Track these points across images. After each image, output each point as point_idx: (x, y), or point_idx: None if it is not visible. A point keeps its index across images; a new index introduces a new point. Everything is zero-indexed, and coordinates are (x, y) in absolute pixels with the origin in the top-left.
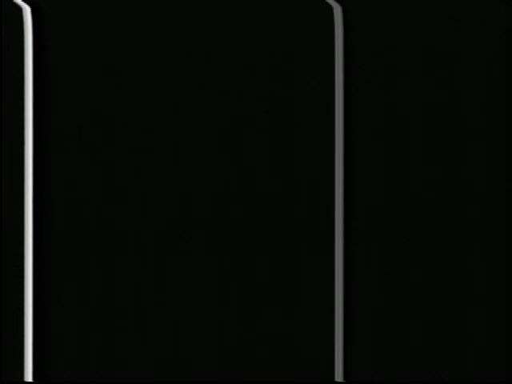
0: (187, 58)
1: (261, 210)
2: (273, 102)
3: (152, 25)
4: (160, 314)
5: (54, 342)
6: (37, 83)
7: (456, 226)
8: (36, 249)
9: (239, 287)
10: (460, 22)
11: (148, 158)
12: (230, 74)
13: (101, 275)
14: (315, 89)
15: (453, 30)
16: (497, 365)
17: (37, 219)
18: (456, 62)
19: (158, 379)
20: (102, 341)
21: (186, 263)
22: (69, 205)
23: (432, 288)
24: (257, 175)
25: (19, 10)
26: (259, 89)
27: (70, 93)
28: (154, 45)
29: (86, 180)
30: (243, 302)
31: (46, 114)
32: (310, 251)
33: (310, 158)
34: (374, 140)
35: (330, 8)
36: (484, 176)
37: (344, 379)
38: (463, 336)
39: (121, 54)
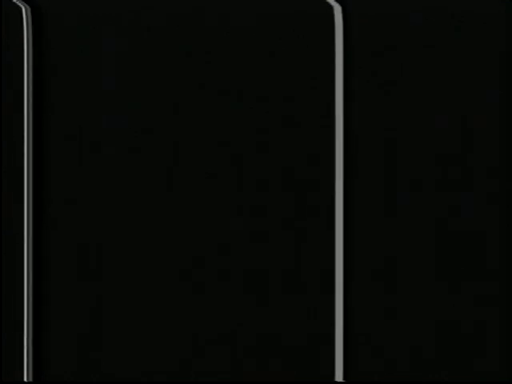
0: (187, 58)
1: (261, 209)
2: (273, 101)
3: (152, 25)
4: (160, 315)
5: (53, 342)
6: (37, 83)
7: (456, 226)
8: (36, 248)
9: (239, 287)
10: (460, 22)
11: (148, 158)
12: (230, 74)
13: (101, 275)
14: (315, 89)
15: (453, 30)
16: (497, 365)
17: (37, 219)
18: (456, 62)
19: (158, 379)
20: (102, 341)
21: (186, 262)
22: (69, 205)
23: (432, 288)
24: (257, 175)
25: (19, 10)
26: (259, 89)
27: (69, 93)
28: (153, 45)
29: (86, 180)
30: (243, 301)
31: (46, 114)
32: (310, 251)
33: (310, 158)
34: (374, 140)
35: (330, 8)
36: (483, 175)
37: (344, 379)
38: (463, 336)
39: (121, 53)
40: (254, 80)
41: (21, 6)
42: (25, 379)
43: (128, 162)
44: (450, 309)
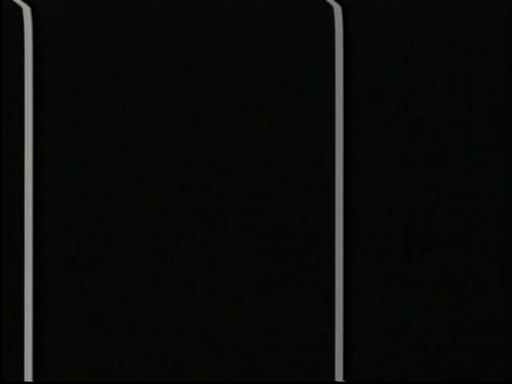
0: (187, 58)
1: (261, 210)
2: (273, 102)
3: (152, 25)
4: (160, 315)
5: (53, 342)
6: (37, 83)
7: (458, 226)
8: (36, 248)
9: (239, 287)
10: (460, 22)
11: (148, 158)
12: (230, 74)
13: (101, 276)
14: (315, 89)
15: (453, 30)
16: (497, 365)
17: (37, 219)
18: (456, 62)
19: (158, 379)
20: (102, 341)
21: (186, 263)
22: (68, 205)
23: (432, 288)
24: (256, 175)
25: (19, 10)
26: (259, 89)
27: (69, 92)
28: (153, 45)
29: (86, 179)
30: (243, 301)
31: (46, 114)
32: (310, 251)
33: (310, 159)
34: (374, 140)
35: (330, 8)
36: (483, 176)
37: (344, 379)
38: (463, 336)
39: (120, 53)
40: (254, 80)
41: (21, 5)
42: (25, 379)
43: (128, 161)
44: (450, 308)
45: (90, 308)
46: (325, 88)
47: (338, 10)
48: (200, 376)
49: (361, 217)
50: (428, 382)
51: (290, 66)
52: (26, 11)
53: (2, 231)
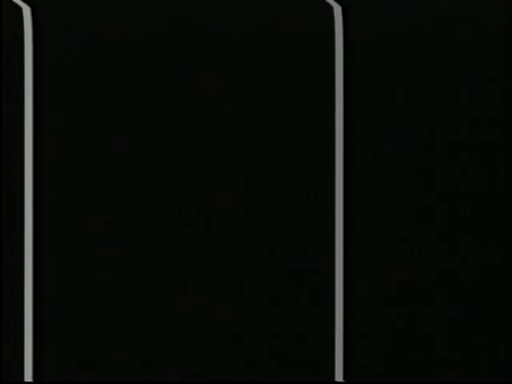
0: (187, 58)
1: (261, 210)
2: (272, 101)
3: (152, 25)
4: (159, 315)
5: (53, 342)
6: (36, 83)
7: (458, 226)
8: (36, 248)
9: (239, 287)
10: (460, 22)
11: (148, 157)
12: (230, 75)
13: (100, 276)
14: (315, 89)
15: (453, 30)
16: (497, 365)
17: (37, 219)
18: (456, 62)
19: (158, 379)
20: (102, 341)
21: (185, 263)
22: (68, 205)
23: (432, 288)
24: (256, 175)
25: (19, 10)
26: (259, 89)
27: (69, 92)
28: (154, 44)
29: (86, 179)
30: (242, 301)
31: (46, 113)
32: (310, 251)
33: (310, 159)
34: (374, 140)
35: (330, 8)
36: (484, 177)
37: (344, 379)
38: (463, 336)
39: (121, 53)
40: (254, 80)
41: (21, 5)
42: (25, 379)
43: (127, 162)
44: (451, 308)
45: (90, 308)
46: (325, 88)
47: (337, 10)
48: (200, 376)
49: (361, 216)
50: (428, 382)
51: (289, 66)
52: (26, 11)
53: (2, 231)
